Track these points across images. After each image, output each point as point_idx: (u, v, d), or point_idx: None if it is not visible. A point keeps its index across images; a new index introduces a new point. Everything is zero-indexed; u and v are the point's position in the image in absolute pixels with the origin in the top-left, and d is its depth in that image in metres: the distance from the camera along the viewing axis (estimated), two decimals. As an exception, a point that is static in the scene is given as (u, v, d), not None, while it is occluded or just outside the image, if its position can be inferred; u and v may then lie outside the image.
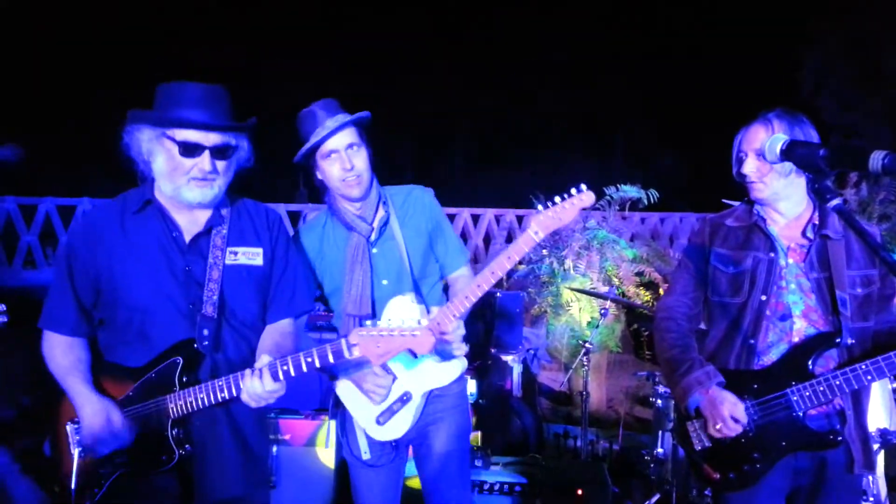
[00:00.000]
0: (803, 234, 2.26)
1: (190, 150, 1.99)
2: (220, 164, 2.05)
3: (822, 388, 2.10)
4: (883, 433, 3.29)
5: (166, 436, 1.98)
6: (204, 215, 2.12)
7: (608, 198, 6.55)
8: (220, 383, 1.99)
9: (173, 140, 1.99)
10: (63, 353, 2.09)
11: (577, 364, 4.65)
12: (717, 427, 2.18)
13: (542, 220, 2.15)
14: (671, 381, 2.35)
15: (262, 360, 1.97)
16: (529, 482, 3.75)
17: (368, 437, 2.48)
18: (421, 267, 2.51)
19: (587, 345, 4.64)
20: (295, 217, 9.57)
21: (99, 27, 16.66)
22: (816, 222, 2.25)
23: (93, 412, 1.99)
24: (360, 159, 2.40)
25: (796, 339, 2.18)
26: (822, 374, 2.13)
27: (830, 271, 2.17)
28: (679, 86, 18.30)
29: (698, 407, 2.25)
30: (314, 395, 4.24)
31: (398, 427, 2.43)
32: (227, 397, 1.98)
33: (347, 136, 2.37)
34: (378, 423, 2.43)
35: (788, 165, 2.02)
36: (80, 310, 2.11)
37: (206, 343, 2.04)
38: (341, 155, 2.36)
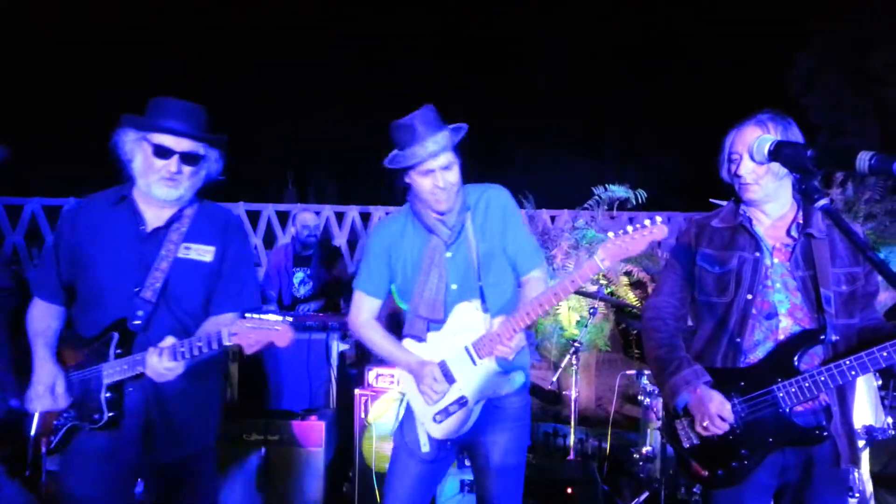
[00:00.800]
0: (787, 233, 2.28)
1: (162, 152, 2.29)
2: (187, 169, 2.34)
3: (807, 385, 2.12)
4: (868, 430, 3.33)
5: (99, 398, 2.29)
6: (169, 212, 2.40)
7: (597, 197, 6.57)
8: (138, 357, 2.25)
9: (150, 143, 2.29)
10: (39, 317, 2.44)
11: (566, 363, 4.66)
12: (705, 425, 2.20)
13: (611, 249, 2.15)
14: (660, 380, 2.37)
15: (166, 340, 2.21)
16: (519, 481, 3.76)
17: (428, 433, 2.52)
18: (490, 272, 2.50)
19: (576, 343, 4.66)
20: (283, 217, 9.53)
21: (91, 28, 16.51)
22: (801, 221, 2.27)
23: (43, 374, 2.35)
24: (454, 174, 2.42)
25: (782, 337, 2.21)
26: (807, 370, 2.15)
27: (815, 269, 2.19)
28: (670, 86, 18.36)
29: (686, 405, 2.27)
30: (304, 396, 4.24)
31: (453, 428, 2.47)
32: (142, 370, 2.24)
33: (446, 156, 2.38)
34: (435, 420, 2.47)
35: (783, 167, 2.03)
36: (60, 282, 2.44)
37: (139, 323, 2.32)
38: (436, 174, 2.38)
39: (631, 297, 6.19)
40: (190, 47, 17.13)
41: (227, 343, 2.14)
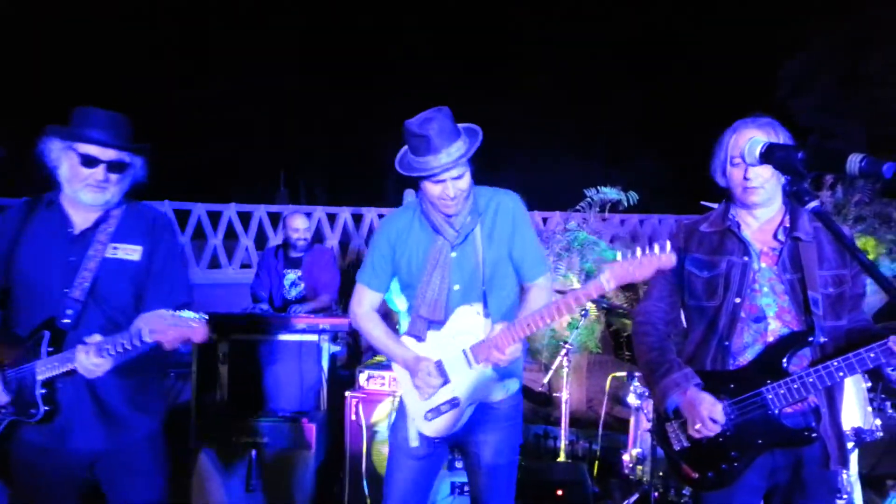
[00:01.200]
0: (774, 236, 2.29)
1: (89, 161, 2.39)
2: (114, 177, 2.44)
3: (795, 386, 2.13)
4: (857, 432, 3.34)
5: (35, 394, 2.38)
6: (95, 214, 2.49)
7: (588, 199, 6.58)
8: (69, 355, 2.33)
9: (77, 152, 2.39)
10: None
11: (557, 364, 4.66)
12: (697, 427, 2.20)
13: (617, 271, 2.14)
14: (650, 382, 2.38)
15: (93, 338, 2.30)
16: (510, 483, 3.76)
17: (419, 430, 2.54)
18: (493, 276, 2.51)
19: (567, 345, 4.66)
20: (275, 218, 9.50)
21: (91, 28, 16.43)
22: (787, 225, 2.28)
23: None
24: (464, 182, 2.42)
25: (771, 340, 2.21)
26: (795, 372, 2.15)
27: (803, 272, 2.20)
28: (665, 89, 18.42)
29: (677, 408, 2.28)
30: (295, 398, 4.22)
31: (443, 427, 2.48)
32: (72, 366, 2.32)
33: (458, 168, 2.38)
34: (426, 418, 2.49)
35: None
36: None
37: (68, 321, 2.40)
38: (447, 184, 2.38)
39: (621, 300, 6.20)
40: (188, 48, 17.07)
41: (147, 339, 2.22)
